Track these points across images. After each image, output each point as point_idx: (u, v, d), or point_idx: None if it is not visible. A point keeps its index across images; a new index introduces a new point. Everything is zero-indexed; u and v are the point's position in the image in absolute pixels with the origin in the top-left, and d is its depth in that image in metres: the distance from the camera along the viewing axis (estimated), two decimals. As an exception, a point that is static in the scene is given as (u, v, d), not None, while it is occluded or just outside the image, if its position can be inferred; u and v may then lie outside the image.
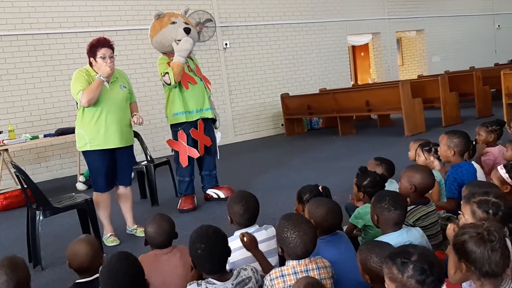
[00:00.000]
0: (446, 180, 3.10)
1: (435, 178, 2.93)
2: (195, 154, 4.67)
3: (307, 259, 1.97)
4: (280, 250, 2.02)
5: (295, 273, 1.93)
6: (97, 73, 3.74)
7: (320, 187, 2.73)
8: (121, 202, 4.13)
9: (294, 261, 1.96)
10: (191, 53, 4.82)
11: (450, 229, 1.95)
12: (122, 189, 4.08)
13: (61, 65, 7.96)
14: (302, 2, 10.80)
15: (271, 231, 2.47)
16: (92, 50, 3.75)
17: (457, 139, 3.13)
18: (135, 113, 4.00)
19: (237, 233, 2.40)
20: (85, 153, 3.86)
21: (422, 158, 3.37)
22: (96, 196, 3.92)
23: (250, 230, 2.42)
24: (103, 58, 3.72)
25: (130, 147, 4.04)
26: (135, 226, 4.14)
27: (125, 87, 3.94)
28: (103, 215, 3.94)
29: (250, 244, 2.25)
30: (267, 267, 2.18)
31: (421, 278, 1.46)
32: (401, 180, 2.82)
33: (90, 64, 3.82)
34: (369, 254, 1.83)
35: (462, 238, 1.59)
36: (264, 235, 2.43)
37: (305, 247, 1.95)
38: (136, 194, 5.33)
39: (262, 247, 2.40)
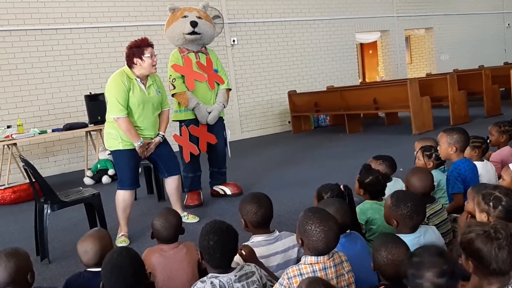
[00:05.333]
0: (449, 177, 3.08)
1: (434, 179, 2.91)
2: (195, 150, 4.65)
3: (326, 256, 1.90)
4: (300, 242, 1.95)
5: (313, 271, 1.88)
6: (137, 77, 3.80)
7: (341, 186, 2.66)
8: (172, 194, 4.18)
9: (313, 257, 1.90)
10: (205, 48, 4.81)
11: (463, 216, 1.98)
12: (172, 180, 4.11)
13: (69, 60, 8.00)
14: (310, -1, 10.78)
15: (289, 240, 2.40)
16: (139, 50, 3.76)
17: (456, 135, 3.11)
18: (153, 141, 3.96)
19: (254, 238, 2.37)
20: (115, 152, 3.90)
21: (421, 162, 3.30)
22: (119, 194, 3.90)
23: (270, 237, 2.36)
24: (150, 56, 3.77)
25: (164, 141, 4.09)
26: (185, 213, 4.22)
27: (160, 92, 3.98)
28: (121, 215, 3.91)
29: (249, 256, 2.21)
30: (270, 276, 2.16)
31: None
32: (405, 183, 2.82)
33: (129, 65, 3.82)
34: (381, 246, 1.83)
35: (468, 236, 1.58)
36: (281, 246, 2.37)
37: (327, 244, 1.89)
38: (143, 190, 5.36)
39: (278, 258, 2.34)
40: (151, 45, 3.84)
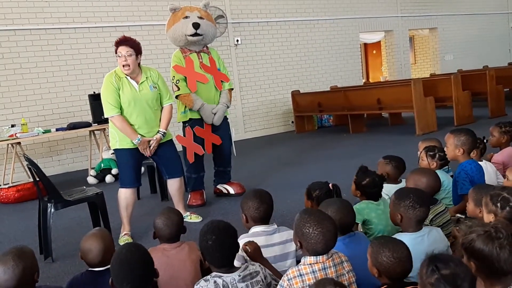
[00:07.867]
0: (457, 179, 3.06)
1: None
2: (200, 151, 4.65)
3: (325, 256, 1.92)
4: (298, 245, 1.97)
5: (313, 271, 1.89)
6: (127, 75, 3.81)
7: (330, 185, 2.72)
8: (174, 195, 4.18)
9: (312, 257, 1.92)
10: (207, 47, 4.81)
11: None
12: (173, 182, 4.11)
13: (73, 59, 8.03)
14: (314, -1, 10.77)
15: (287, 234, 2.44)
16: (115, 50, 3.83)
17: (464, 137, 3.10)
18: (154, 138, 3.89)
19: (253, 229, 2.43)
20: (115, 150, 3.95)
21: (425, 162, 3.29)
22: (121, 192, 3.92)
23: (269, 228, 2.43)
24: (119, 56, 3.77)
25: (168, 142, 4.06)
26: (188, 213, 4.23)
27: (155, 88, 3.92)
28: (124, 213, 3.92)
29: (254, 253, 2.23)
30: (275, 274, 2.17)
31: None
32: (407, 184, 2.80)
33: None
34: (382, 248, 1.82)
35: (469, 236, 1.58)
36: (279, 238, 2.43)
37: (326, 244, 1.91)
38: (146, 189, 5.38)
39: (276, 250, 2.39)
40: (124, 44, 3.79)
